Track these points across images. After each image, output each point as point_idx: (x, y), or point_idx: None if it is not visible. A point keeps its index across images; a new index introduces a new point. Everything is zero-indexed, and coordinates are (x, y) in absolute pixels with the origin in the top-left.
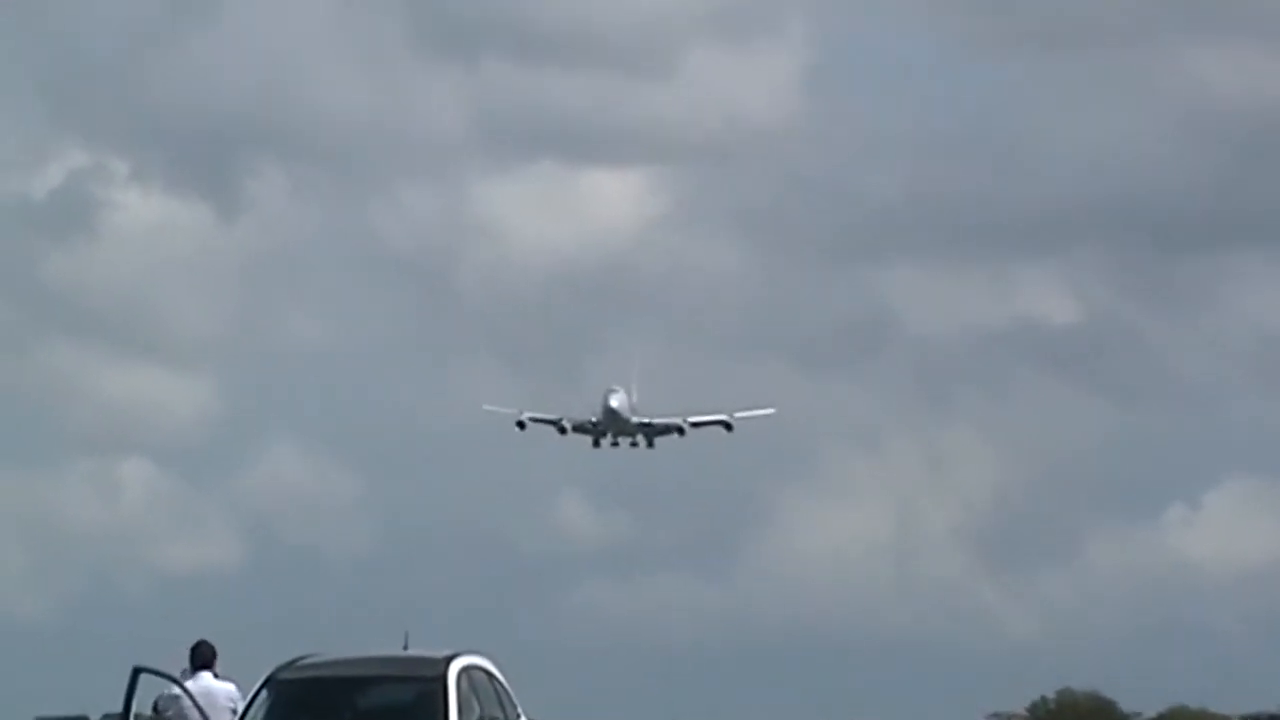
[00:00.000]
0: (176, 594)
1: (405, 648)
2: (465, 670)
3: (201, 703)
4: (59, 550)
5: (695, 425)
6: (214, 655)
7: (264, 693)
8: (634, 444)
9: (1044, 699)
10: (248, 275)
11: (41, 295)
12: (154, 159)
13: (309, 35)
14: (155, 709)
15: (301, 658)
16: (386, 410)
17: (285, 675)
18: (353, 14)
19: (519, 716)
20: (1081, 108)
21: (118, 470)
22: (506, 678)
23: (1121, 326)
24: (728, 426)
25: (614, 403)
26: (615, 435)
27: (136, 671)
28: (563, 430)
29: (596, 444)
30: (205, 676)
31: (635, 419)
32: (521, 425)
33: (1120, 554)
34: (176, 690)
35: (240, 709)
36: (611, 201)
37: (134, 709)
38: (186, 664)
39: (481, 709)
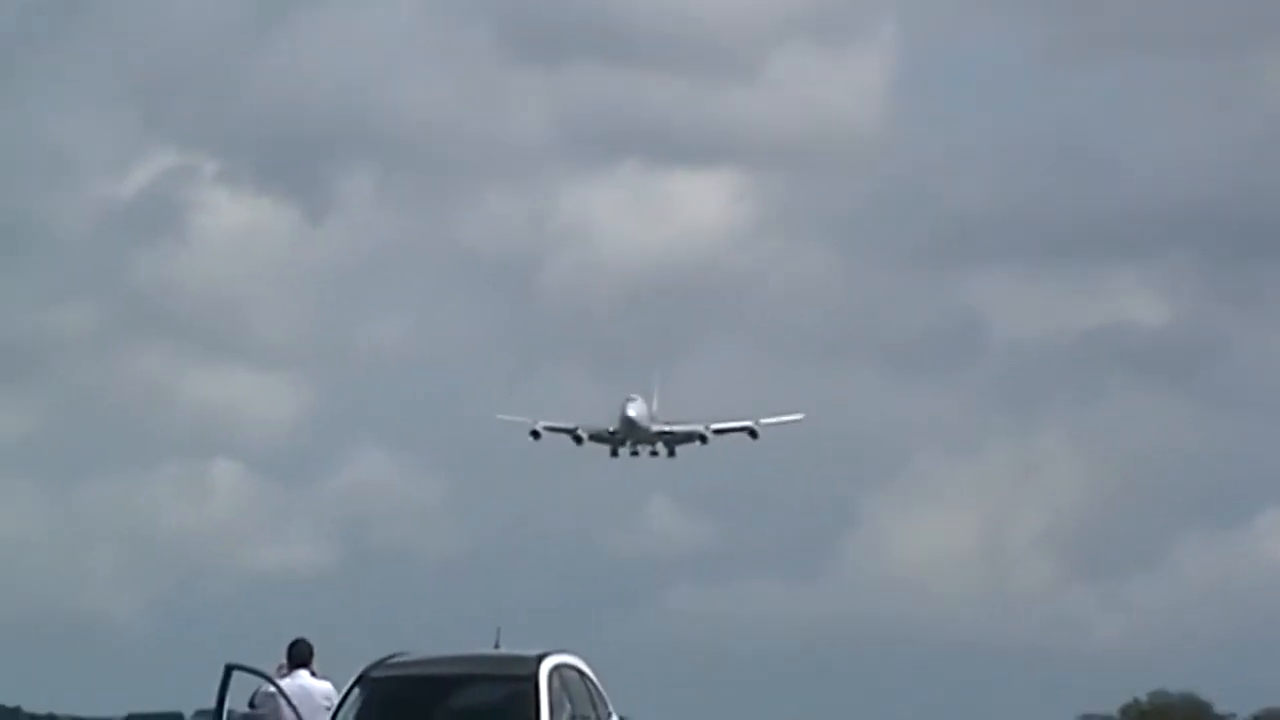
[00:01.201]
0: (267, 594)
1: (497, 646)
2: (557, 669)
3: (298, 701)
4: (151, 551)
5: (718, 432)
6: (311, 654)
7: (356, 691)
8: (654, 453)
9: (1136, 701)
10: (335, 277)
11: (130, 296)
12: (243, 160)
13: (397, 39)
14: (251, 706)
15: (393, 656)
16: (473, 412)
17: (377, 673)
18: (440, 18)
19: (610, 715)
20: (1171, 111)
21: (207, 472)
22: (598, 678)
23: (1211, 330)
24: (753, 434)
25: (631, 411)
26: (634, 444)
27: (229, 669)
28: (579, 440)
29: (615, 453)
30: (302, 675)
31: (654, 427)
32: (536, 435)
33: (1212, 557)
34: (272, 688)
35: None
36: (697, 204)
37: (227, 706)
38: (283, 661)
39: (573, 708)
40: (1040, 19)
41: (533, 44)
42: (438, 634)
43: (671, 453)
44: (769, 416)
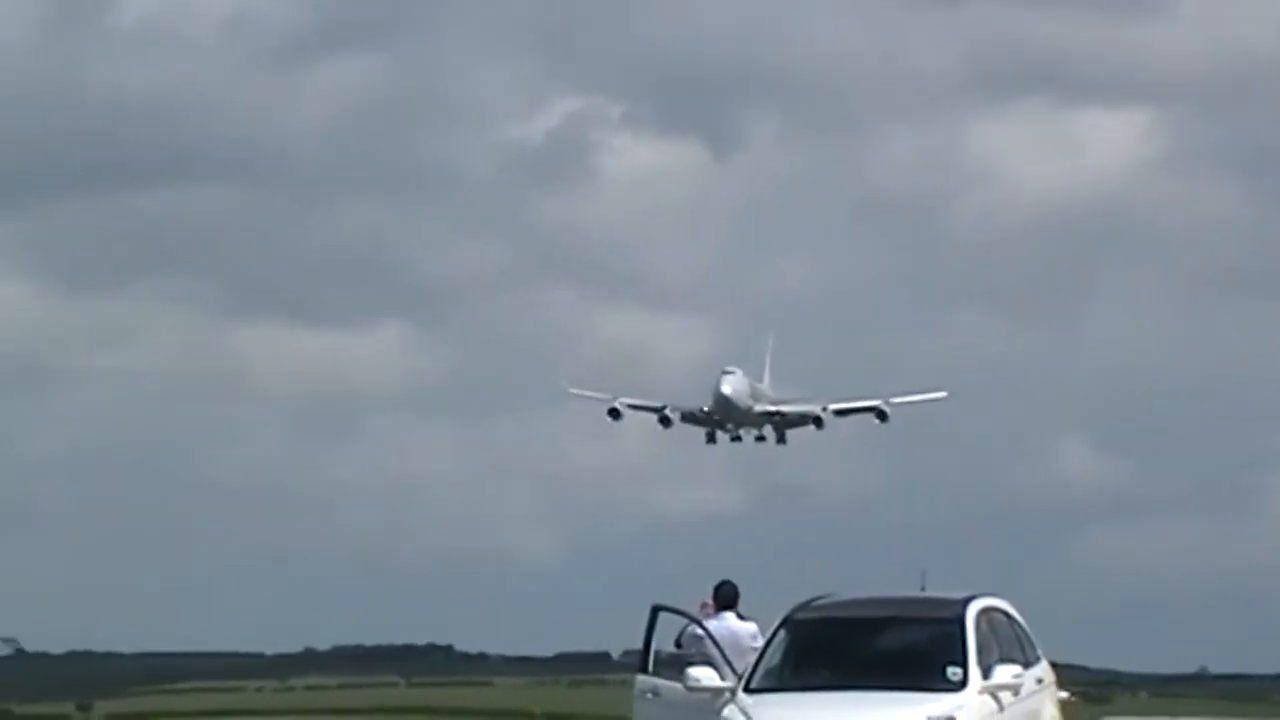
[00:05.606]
0: (680, 534)
1: (922, 589)
2: (984, 611)
3: (724, 643)
4: (566, 491)
5: (839, 414)
6: (737, 596)
7: (781, 632)
8: (759, 438)
9: None
10: (740, 216)
11: (539, 238)
12: (646, 102)
13: None
14: (678, 645)
15: (818, 598)
16: (882, 348)
17: (802, 615)
18: None
19: (1039, 659)
20: None
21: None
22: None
23: None
24: (881, 415)
25: (726, 388)
26: (735, 427)
27: (655, 610)
28: (666, 421)
29: (711, 438)
30: (729, 617)
31: (758, 407)
32: (615, 413)
33: None
34: (699, 629)
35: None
36: (1105, 141)
37: (654, 646)
38: (707, 600)
39: (1000, 650)
40: None
41: None
42: (857, 577)
43: (781, 438)
44: (902, 395)
